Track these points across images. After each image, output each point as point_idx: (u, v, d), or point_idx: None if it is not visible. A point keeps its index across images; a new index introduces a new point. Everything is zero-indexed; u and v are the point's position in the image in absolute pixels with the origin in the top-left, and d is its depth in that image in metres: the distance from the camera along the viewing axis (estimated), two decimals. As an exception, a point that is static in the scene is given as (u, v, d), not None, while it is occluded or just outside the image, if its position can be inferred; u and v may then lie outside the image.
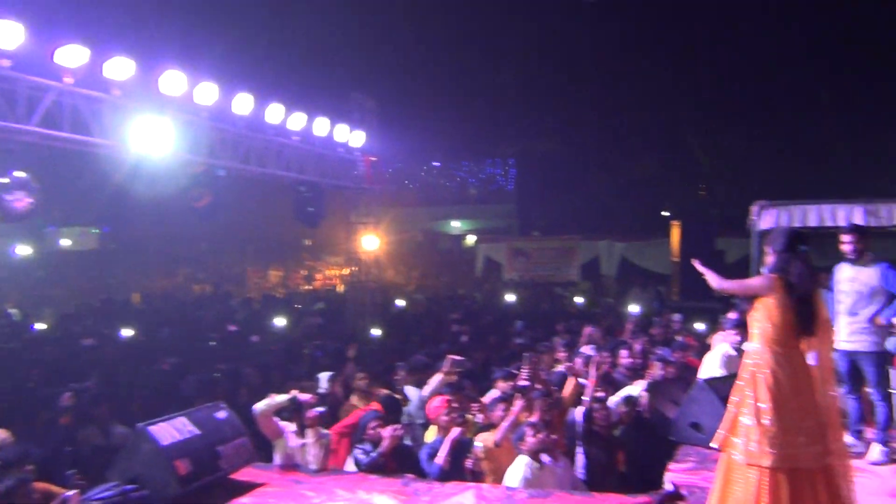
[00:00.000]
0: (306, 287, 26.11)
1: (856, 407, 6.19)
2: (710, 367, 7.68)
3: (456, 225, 33.64)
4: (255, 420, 6.02)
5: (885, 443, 5.90)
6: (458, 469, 5.83)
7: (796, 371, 4.12)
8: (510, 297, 19.39)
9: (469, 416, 6.43)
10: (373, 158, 13.98)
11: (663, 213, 27.17)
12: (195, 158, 9.96)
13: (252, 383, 8.72)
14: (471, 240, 31.27)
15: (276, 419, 6.11)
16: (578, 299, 20.50)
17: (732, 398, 4.24)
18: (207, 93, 9.55)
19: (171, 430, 5.38)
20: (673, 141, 25.77)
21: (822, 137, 22.94)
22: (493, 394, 7.11)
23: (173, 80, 8.99)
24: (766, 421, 4.00)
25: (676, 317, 12.55)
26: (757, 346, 4.17)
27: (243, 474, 5.80)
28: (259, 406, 6.01)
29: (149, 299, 19.43)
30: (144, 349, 11.53)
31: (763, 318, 4.16)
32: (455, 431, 5.88)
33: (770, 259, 4.34)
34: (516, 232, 29.86)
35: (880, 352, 6.00)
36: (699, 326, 12.46)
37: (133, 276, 24.30)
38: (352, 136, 13.17)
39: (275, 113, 11.04)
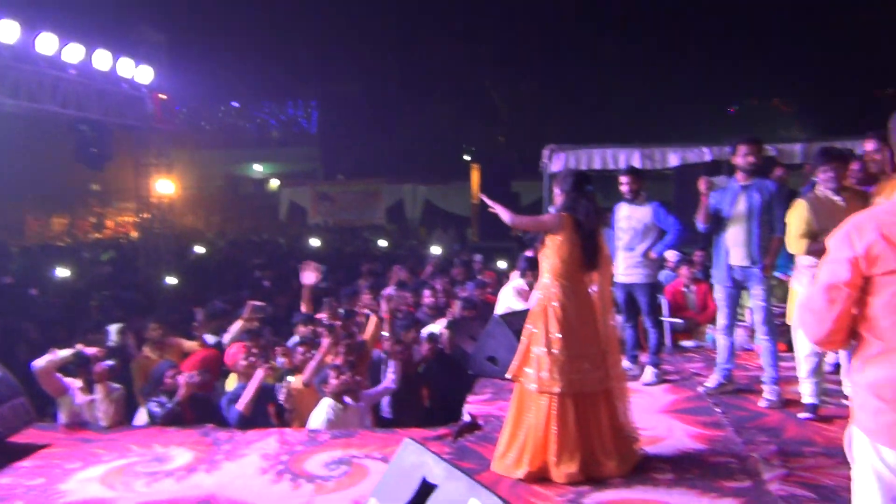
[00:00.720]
0: (95, 235, 24.32)
1: (631, 334, 6.77)
2: (505, 302, 8.05)
3: (258, 169, 32.62)
4: (36, 377, 5.55)
5: (656, 365, 6.50)
6: (261, 415, 5.72)
7: (582, 303, 4.40)
8: (315, 242, 19.19)
9: (272, 362, 6.31)
10: (162, 96, 13.11)
11: (465, 157, 27.96)
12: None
13: (31, 339, 8.03)
14: (274, 184, 30.53)
15: (58, 375, 5.67)
16: (383, 243, 20.69)
17: (525, 331, 4.46)
18: (-38, 17, 8.43)
19: (-69, 395, 4.83)
20: (473, 87, 26.41)
21: (606, 86, 24.48)
22: (295, 339, 7.04)
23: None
24: (555, 350, 4.26)
25: (477, 257, 12.99)
26: (547, 280, 4.41)
27: (24, 436, 5.34)
28: (39, 362, 5.55)
29: None
30: None
31: (552, 253, 4.39)
32: (259, 374, 5.74)
33: (559, 199, 4.57)
34: (321, 176, 29.51)
35: (652, 283, 6.61)
36: (501, 265, 12.98)
37: None
38: (138, 72, 12.22)
39: (47, 43, 9.97)
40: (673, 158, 10.81)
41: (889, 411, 2.23)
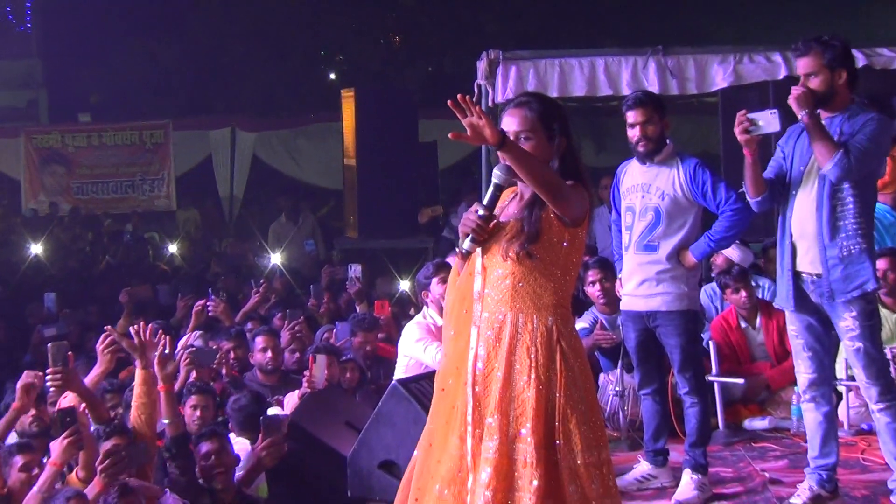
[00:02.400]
0: None
1: (655, 410, 6.78)
2: (408, 350, 8.01)
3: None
4: None
5: (699, 467, 6.48)
6: None
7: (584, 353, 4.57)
8: (36, 249, 18.78)
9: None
10: None
11: (330, 77, 27.81)
12: None
13: None
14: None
15: None
16: (174, 247, 20.36)
17: (495, 414, 4.30)
18: None
19: None
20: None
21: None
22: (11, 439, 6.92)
23: None
24: (603, 447, 4.39)
25: (354, 270, 12.82)
26: (538, 310, 4.28)
27: None
28: None
29: None
30: None
31: (555, 261, 4.29)
32: None
33: (551, 148, 4.38)
34: (45, 116, 29.04)
35: (690, 311, 6.55)
36: (404, 286, 12.88)
37: None
38: None
39: None
40: (718, 74, 10.95)
41: None
